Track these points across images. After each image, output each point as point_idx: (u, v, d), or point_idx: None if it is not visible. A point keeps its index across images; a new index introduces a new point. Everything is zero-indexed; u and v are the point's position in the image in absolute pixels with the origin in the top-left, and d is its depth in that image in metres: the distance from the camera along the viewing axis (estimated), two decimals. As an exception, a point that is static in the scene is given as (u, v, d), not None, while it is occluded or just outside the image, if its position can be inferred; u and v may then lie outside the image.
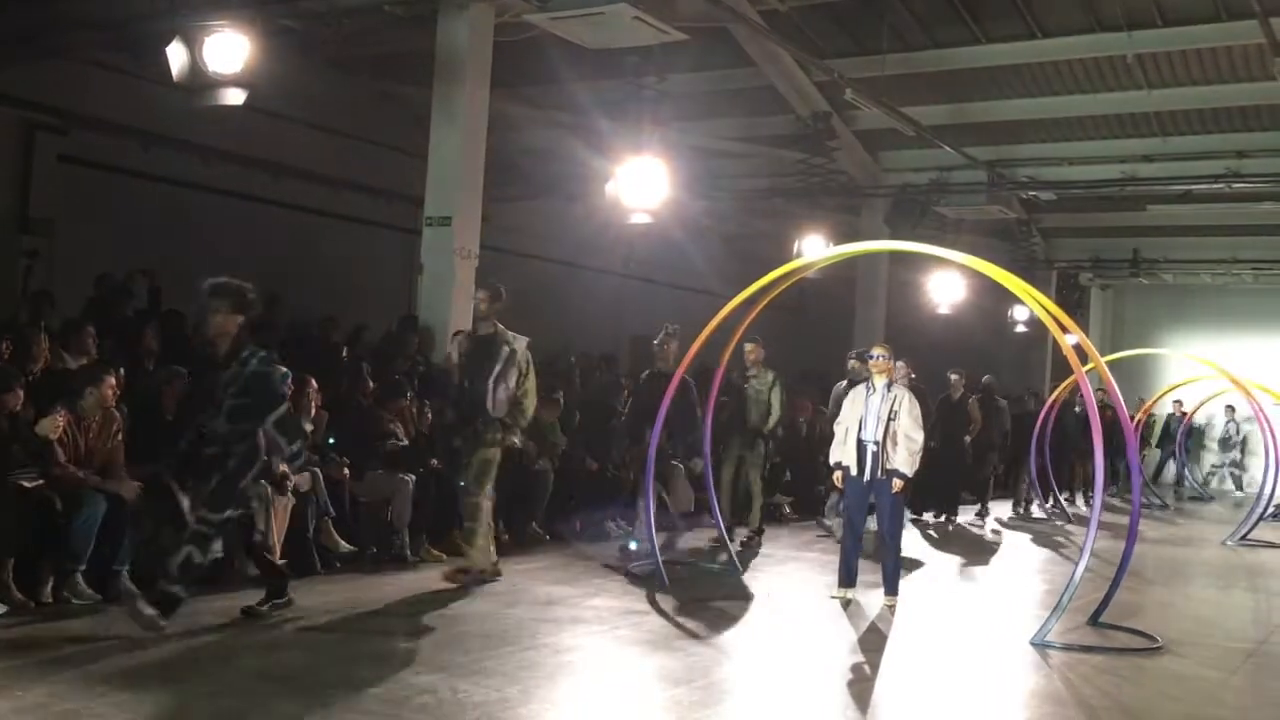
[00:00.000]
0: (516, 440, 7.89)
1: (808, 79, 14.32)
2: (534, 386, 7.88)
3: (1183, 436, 20.92)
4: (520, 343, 7.74)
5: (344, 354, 10.29)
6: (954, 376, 13.52)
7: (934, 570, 10.09)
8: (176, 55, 7.99)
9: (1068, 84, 14.25)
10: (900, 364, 12.68)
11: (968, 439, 13.65)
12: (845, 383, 10.93)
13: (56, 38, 10.58)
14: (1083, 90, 14.31)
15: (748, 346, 10.15)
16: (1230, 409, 21.00)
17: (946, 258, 8.25)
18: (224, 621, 6.23)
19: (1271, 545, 13.19)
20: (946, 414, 13.47)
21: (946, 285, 16.65)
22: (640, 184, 11.73)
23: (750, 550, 10.10)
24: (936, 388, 13.65)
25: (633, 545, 9.07)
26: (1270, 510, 14.88)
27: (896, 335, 14.89)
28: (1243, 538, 13.36)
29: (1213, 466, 22.34)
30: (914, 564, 9.95)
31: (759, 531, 10.61)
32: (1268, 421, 15.01)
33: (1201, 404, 19.75)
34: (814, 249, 13.96)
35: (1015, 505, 15.31)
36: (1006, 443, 14.81)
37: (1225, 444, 21.86)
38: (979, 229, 18.75)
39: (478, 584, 7.60)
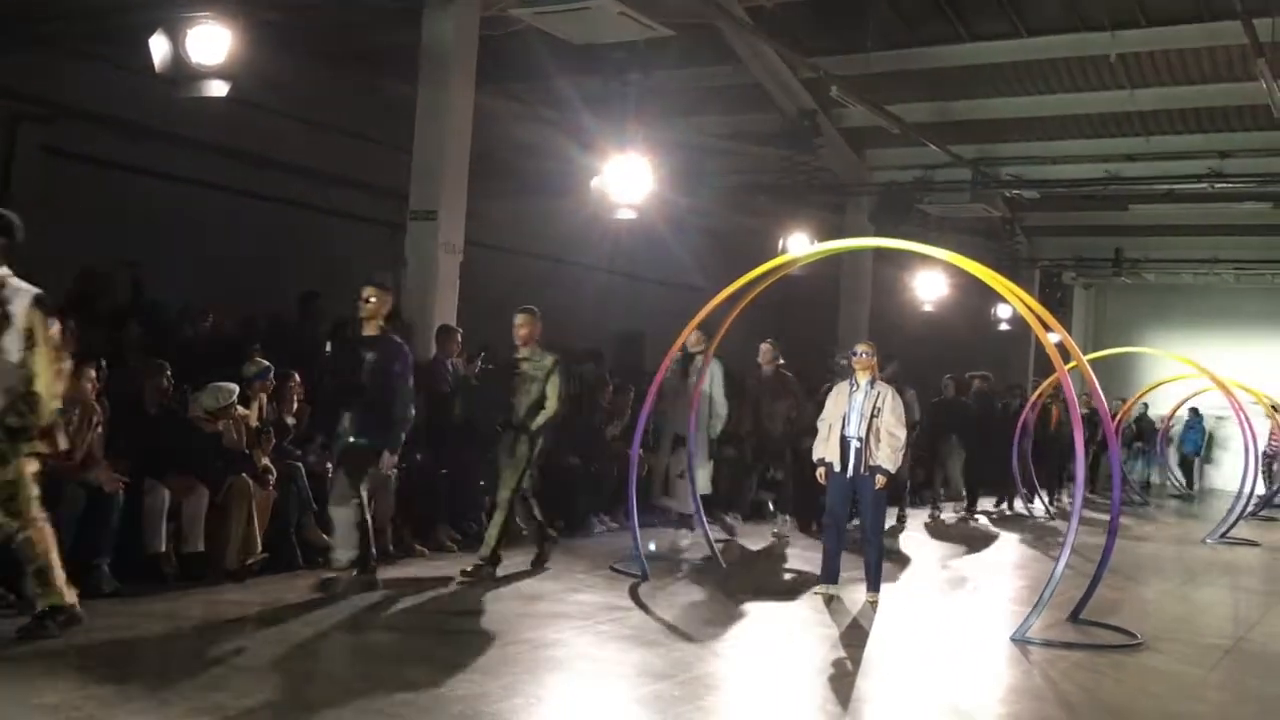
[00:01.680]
0: (41, 447, 5.43)
1: (793, 76, 14.34)
2: (48, 365, 5.33)
3: (1162, 436, 21.07)
4: (22, 298, 5.29)
5: (326, 348, 10.23)
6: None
7: (916, 566, 10.12)
8: (159, 46, 7.94)
9: (1051, 83, 14.30)
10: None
11: None
12: (680, 354, 9.69)
13: (40, 28, 10.51)
14: (1066, 89, 14.36)
15: (518, 319, 8.14)
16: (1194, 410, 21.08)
17: (931, 255, 8.28)
18: (204, 615, 6.20)
19: (1251, 543, 13.29)
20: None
21: (930, 283, 16.69)
22: (625, 180, 11.72)
23: (479, 581, 7.71)
24: (919, 387, 13.64)
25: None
26: (1250, 508, 15.00)
27: (881, 333, 14.93)
28: (1223, 535, 13.46)
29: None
30: (897, 560, 9.98)
31: (491, 561, 7.90)
32: (1247, 420, 15.12)
33: (1182, 402, 19.88)
34: (799, 246, 13.97)
35: (932, 508, 13.77)
36: (912, 439, 12.82)
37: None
38: (963, 227, 18.82)
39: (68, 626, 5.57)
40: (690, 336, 9.46)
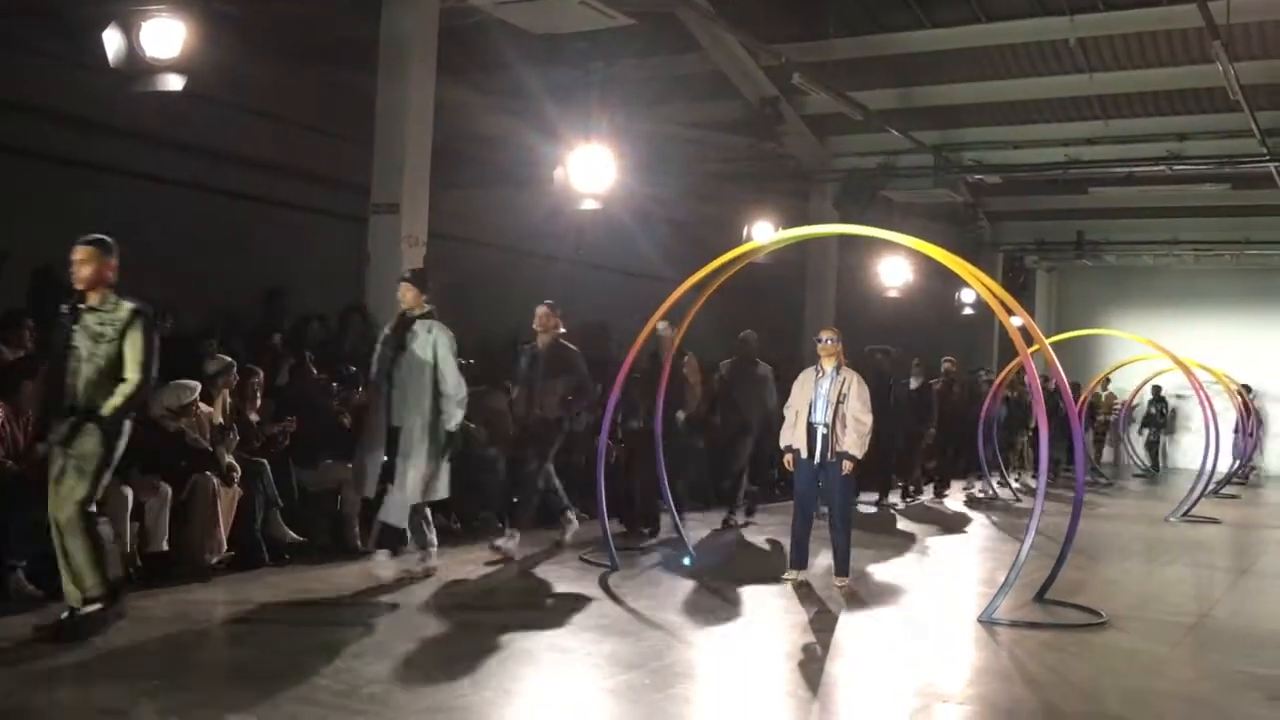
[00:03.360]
0: None
1: (755, 64, 14.35)
2: None
3: (1124, 416, 21.31)
4: None
5: (276, 341, 10.16)
6: (661, 326, 9.58)
7: (884, 551, 10.18)
8: (112, 40, 7.83)
9: (1011, 68, 14.40)
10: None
11: (682, 415, 10.08)
12: (397, 319, 7.64)
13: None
14: (1026, 74, 14.46)
15: (78, 253, 5.68)
16: (1156, 388, 21.22)
17: (895, 241, 8.32)
18: (171, 615, 6.14)
19: (1213, 521, 13.46)
20: (644, 384, 9.91)
21: (895, 269, 16.78)
22: (589, 170, 11.70)
23: (84, 626, 5.50)
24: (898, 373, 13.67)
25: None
26: (1212, 486, 15.20)
27: (846, 319, 14.99)
28: (1185, 514, 13.63)
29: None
30: (864, 545, 10.03)
31: (107, 597, 5.57)
32: (1208, 400, 15.31)
33: (1144, 383, 20.11)
34: (763, 233, 13.99)
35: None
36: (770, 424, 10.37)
37: (1150, 422, 22.03)
38: (926, 213, 18.92)
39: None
40: (408, 295, 7.59)
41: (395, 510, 7.49)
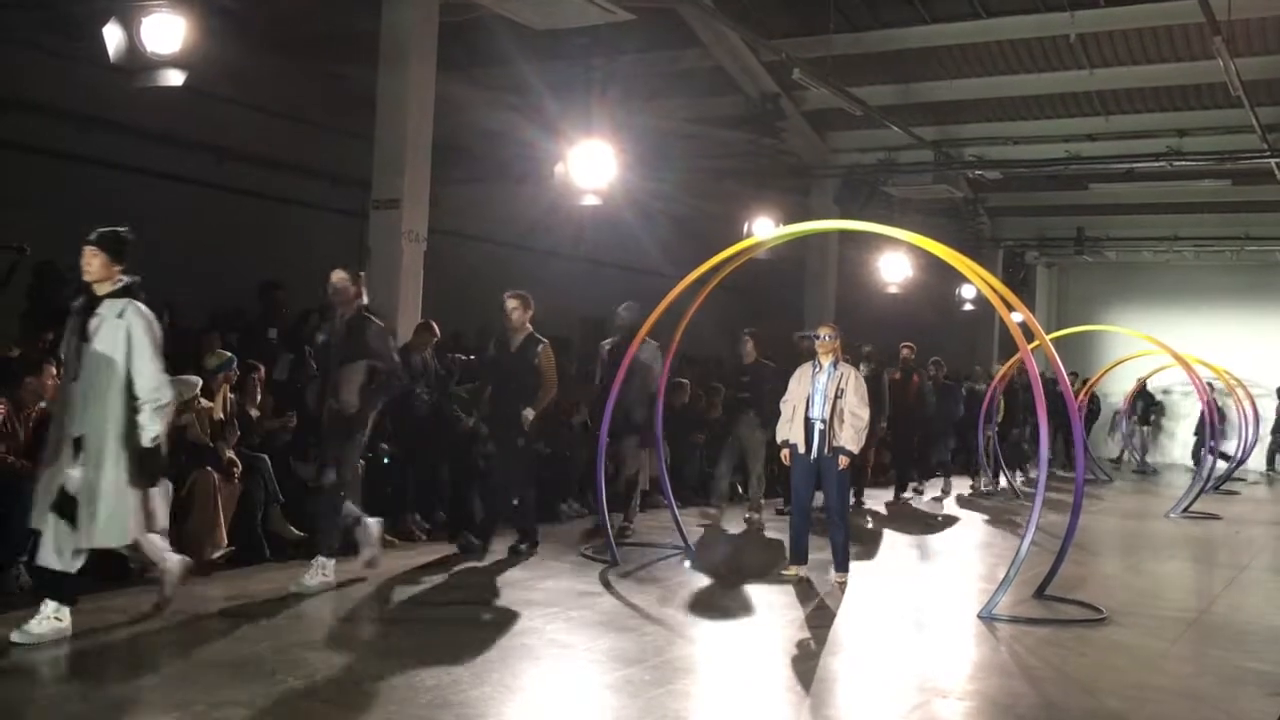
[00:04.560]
0: None
1: (756, 59, 14.35)
2: None
3: (1125, 411, 21.31)
4: None
5: (272, 335, 10.16)
6: (511, 302, 8.43)
7: (884, 546, 10.19)
8: (113, 35, 7.83)
9: (1012, 64, 14.40)
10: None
11: (530, 413, 8.24)
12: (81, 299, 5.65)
13: (-11, 18, 10.33)
14: (1026, 70, 14.46)
15: None
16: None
17: (895, 237, 8.32)
18: (171, 610, 6.15)
19: (1213, 517, 13.47)
20: (494, 368, 8.64)
21: (895, 264, 16.76)
22: (589, 165, 11.69)
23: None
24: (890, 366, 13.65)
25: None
26: (1212, 483, 15.21)
27: (846, 315, 15.00)
28: (1185, 510, 13.63)
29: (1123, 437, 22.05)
30: (864, 540, 10.04)
31: None
32: (1208, 396, 15.32)
33: (1144, 379, 20.11)
34: (764, 230, 13.99)
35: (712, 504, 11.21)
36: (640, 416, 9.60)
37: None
38: (926, 208, 18.92)
39: None
40: (93, 264, 5.70)
41: (52, 545, 5.41)
